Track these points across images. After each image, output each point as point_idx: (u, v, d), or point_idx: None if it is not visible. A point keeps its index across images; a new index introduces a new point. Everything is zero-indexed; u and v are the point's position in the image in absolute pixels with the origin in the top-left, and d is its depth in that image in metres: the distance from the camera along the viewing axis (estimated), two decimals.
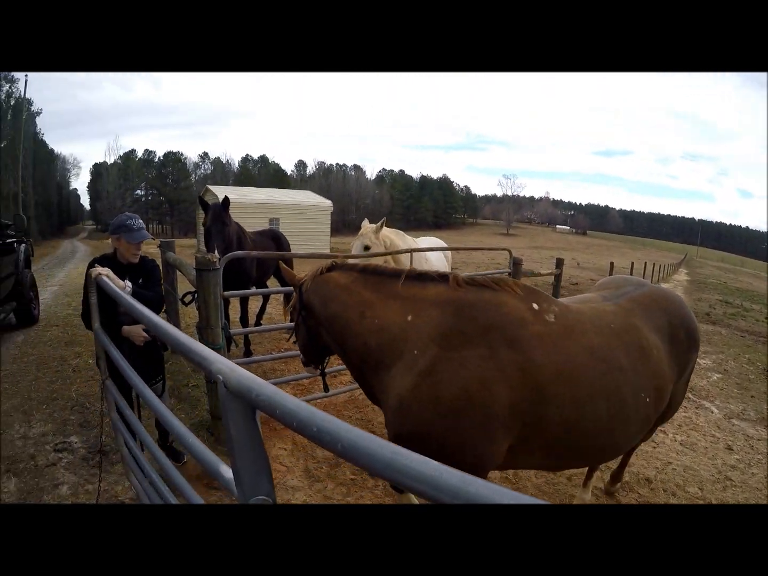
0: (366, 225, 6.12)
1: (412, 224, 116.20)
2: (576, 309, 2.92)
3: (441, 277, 2.81)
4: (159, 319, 1.96)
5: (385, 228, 6.12)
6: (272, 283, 8.83)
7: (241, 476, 1.31)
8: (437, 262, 7.10)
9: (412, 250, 6.18)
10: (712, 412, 7.40)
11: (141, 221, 3.81)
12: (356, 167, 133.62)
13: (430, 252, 6.93)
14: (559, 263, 9.32)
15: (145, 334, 3.66)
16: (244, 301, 7.44)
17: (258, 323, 8.23)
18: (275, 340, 8.22)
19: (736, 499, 4.92)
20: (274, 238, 8.31)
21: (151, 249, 22.02)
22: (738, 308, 22.80)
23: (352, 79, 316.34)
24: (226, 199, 6.31)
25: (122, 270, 3.67)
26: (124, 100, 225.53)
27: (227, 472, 1.46)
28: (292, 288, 3.26)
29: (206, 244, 6.10)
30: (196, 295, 4.69)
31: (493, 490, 0.77)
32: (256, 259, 6.87)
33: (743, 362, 11.08)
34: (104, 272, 3.20)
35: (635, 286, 3.33)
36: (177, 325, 6.95)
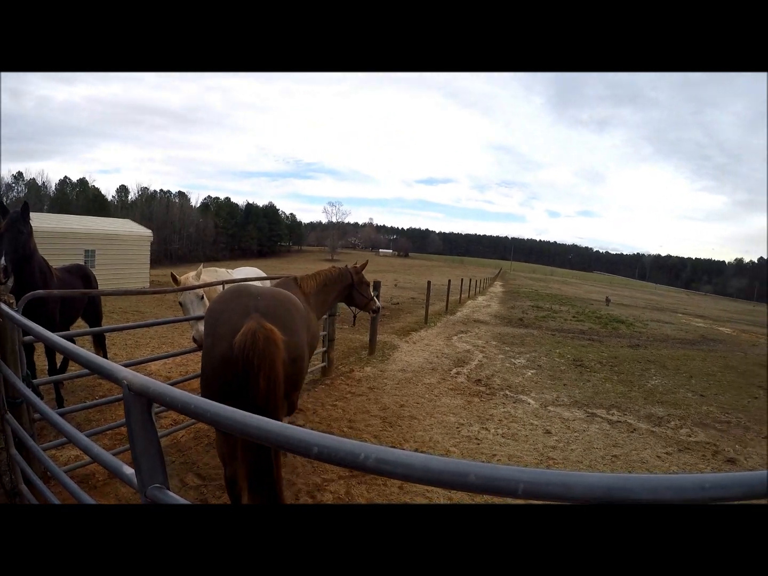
0: (188, 276, 6.02)
1: (237, 253, 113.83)
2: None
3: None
4: (66, 342, 2.28)
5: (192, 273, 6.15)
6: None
7: (140, 465, 1.61)
8: None
9: (223, 282, 6.17)
10: (529, 404, 8.03)
11: None
12: (181, 194, 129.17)
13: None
14: (376, 285, 9.69)
15: None
16: (50, 348, 6.53)
17: (63, 370, 7.20)
18: (89, 387, 7.34)
19: None
20: (83, 277, 7.36)
21: None
22: (548, 311, 25.12)
23: (179, 99, 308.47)
24: (26, 205, 5.43)
25: None
26: None
27: (129, 470, 1.82)
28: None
29: None
30: None
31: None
32: (61, 299, 6.07)
33: (554, 357, 12.24)
34: None
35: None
36: None
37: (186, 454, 5.31)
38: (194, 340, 5.56)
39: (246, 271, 7.60)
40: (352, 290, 6.21)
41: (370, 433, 6.11)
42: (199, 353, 4.91)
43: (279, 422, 1.25)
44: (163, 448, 5.24)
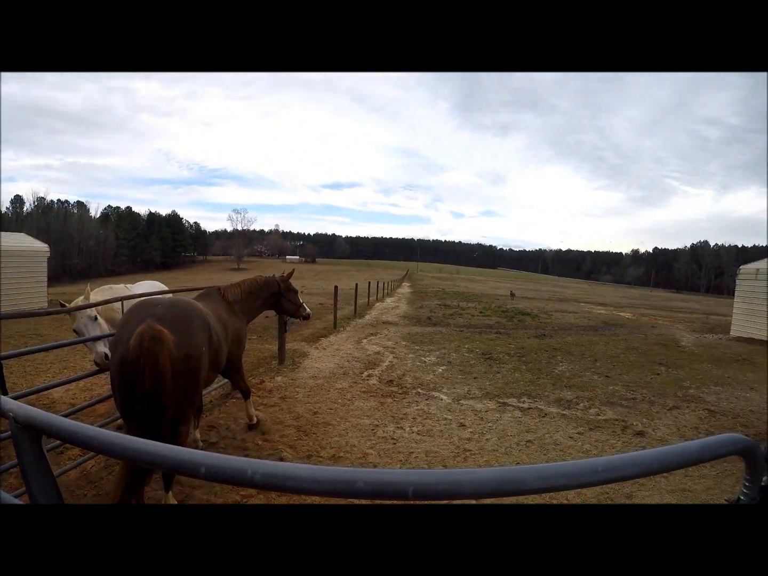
0: (76, 302, 5.68)
1: (140, 266, 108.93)
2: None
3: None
4: None
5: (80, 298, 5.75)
6: None
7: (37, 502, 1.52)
8: None
9: (121, 299, 5.89)
10: (442, 399, 8.14)
11: None
12: (79, 204, 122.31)
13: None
14: None
15: None
16: None
17: None
18: None
19: (477, 463, 5.53)
20: None
21: None
22: (456, 308, 25.60)
23: (79, 101, 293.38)
24: None
25: None
26: None
27: None
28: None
29: None
30: None
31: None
32: None
33: (464, 352, 12.46)
34: None
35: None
36: None
37: (98, 486, 4.95)
38: (96, 363, 5.26)
39: (147, 286, 7.33)
40: (281, 298, 6.76)
41: (285, 443, 5.92)
42: (102, 375, 4.69)
43: (167, 445, 1.22)
44: (73, 480, 4.94)
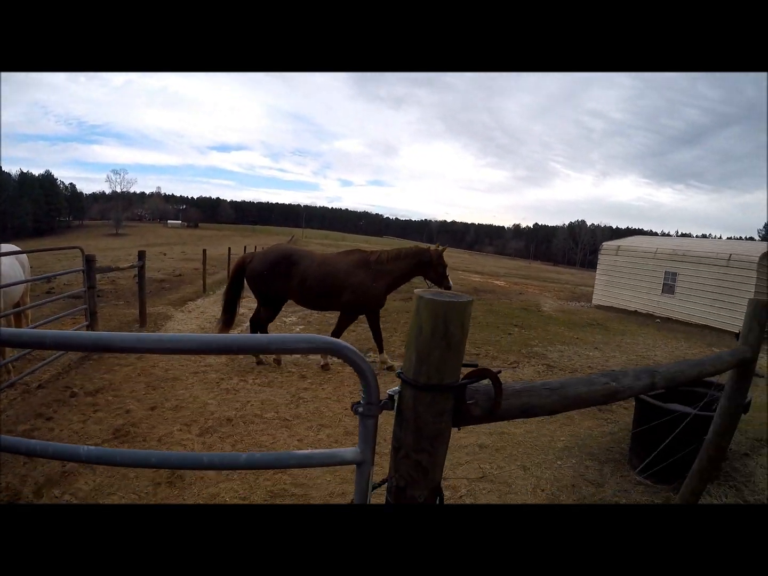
0: None
1: (11, 232, 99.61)
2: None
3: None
4: None
5: None
6: None
7: None
8: (10, 270, 6.55)
9: None
10: (291, 355, 8.19)
11: None
12: None
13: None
14: (141, 255, 10.57)
15: None
16: None
17: None
18: None
19: (308, 409, 5.98)
20: None
21: None
22: None
23: None
24: None
25: None
26: None
27: None
28: None
29: None
30: None
31: None
32: None
33: (325, 313, 12.48)
34: None
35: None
36: None
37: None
38: None
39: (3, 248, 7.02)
40: (429, 268, 7.88)
41: (133, 397, 6.01)
42: None
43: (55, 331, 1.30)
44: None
